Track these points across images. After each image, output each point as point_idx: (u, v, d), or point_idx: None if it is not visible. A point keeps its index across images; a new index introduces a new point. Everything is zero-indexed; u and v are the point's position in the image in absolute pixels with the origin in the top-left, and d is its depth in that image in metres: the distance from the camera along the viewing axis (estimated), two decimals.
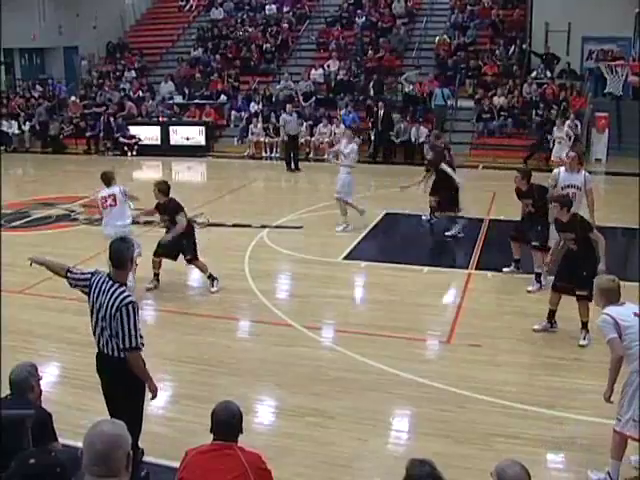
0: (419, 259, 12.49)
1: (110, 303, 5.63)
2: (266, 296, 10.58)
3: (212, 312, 10.10)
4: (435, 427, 7.07)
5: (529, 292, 10.83)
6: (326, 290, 11.04)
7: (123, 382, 5.81)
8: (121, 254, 5.81)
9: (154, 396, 6.05)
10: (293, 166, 21.88)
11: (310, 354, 8.76)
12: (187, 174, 23.39)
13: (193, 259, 10.97)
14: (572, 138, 19.71)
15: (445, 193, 13.85)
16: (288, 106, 23.11)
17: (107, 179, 10.79)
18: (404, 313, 10.02)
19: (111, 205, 10.67)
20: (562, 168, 10.93)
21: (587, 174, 10.84)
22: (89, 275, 5.91)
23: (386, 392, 7.79)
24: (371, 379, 8.08)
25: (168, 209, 10.75)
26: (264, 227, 14.04)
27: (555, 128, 20.09)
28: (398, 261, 12.39)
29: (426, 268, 11.96)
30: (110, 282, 5.72)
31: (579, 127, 22.02)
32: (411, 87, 24.77)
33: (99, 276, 5.86)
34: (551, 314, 9.41)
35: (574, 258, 9.01)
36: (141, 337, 5.78)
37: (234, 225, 14.56)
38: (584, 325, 8.98)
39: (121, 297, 5.63)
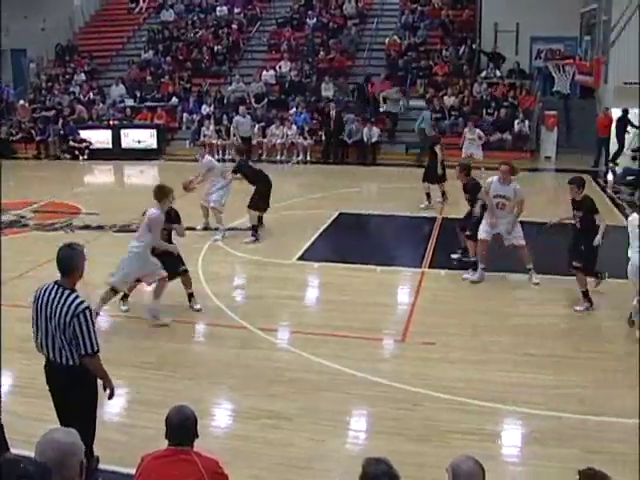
0: (373, 259, 12.52)
1: (64, 311, 5.53)
2: (220, 299, 10.53)
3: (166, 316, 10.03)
4: (391, 425, 7.11)
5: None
6: (280, 291, 11.04)
7: (76, 390, 5.73)
8: (69, 261, 5.70)
9: (111, 395, 5.98)
10: None
11: (265, 356, 8.74)
12: (139, 178, 23.18)
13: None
14: (483, 139, 20.53)
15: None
16: (241, 108, 23.13)
17: (158, 195, 9.59)
18: (358, 313, 10.05)
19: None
20: (495, 178, 11.18)
21: (517, 187, 11.11)
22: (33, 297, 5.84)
23: (342, 392, 7.81)
24: (327, 379, 8.09)
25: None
26: (217, 229, 13.96)
27: (467, 129, 20.58)
28: (352, 261, 12.43)
29: (380, 268, 12.01)
30: (60, 290, 5.61)
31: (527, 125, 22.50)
32: (393, 106, 24.48)
33: (44, 287, 5.76)
34: (585, 294, 10.23)
35: (576, 235, 10.34)
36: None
37: (187, 228, 14.44)
38: (583, 294, 10.18)
39: (75, 304, 5.53)
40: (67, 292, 5.59)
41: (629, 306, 9.72)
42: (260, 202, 13.68)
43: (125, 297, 10.24)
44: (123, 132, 25.23)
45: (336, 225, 14.81)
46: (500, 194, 11.04)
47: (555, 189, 19.27)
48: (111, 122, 25.74)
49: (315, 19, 29.64)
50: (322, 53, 27.66)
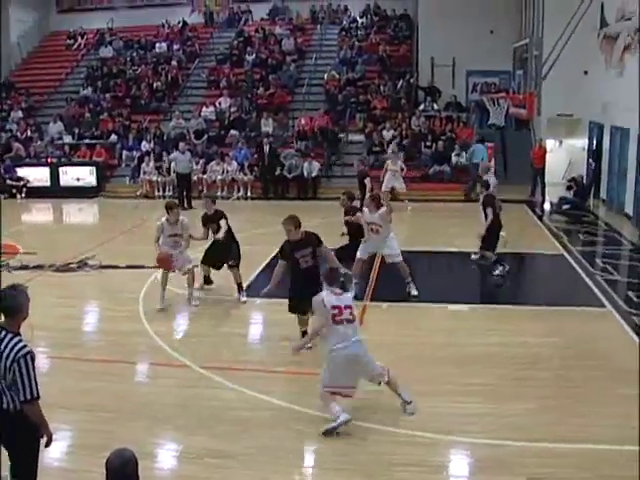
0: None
1: (5, 354, 5.42)
2: (162, 337, 10.42)
3: (107, 357, 9.88)
4: (337, 460, 7.11)
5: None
6: (222, 329, 11.00)
7: (16, 435, 5.61)
8: (12, 302, 5.60)
9: (49, 443, 5.83)
10: (186, 204, 21.72)
11: (208, 394, 8.66)
12: (78, 216, 22.96)
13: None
14: (404, 171, 20.85)
15: None
16: (181, 144, 23.05)
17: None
18: None
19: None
20: (366, 209, 12.43)
21: (381, 211, 12.13)
22: None
23: (286, 428, 7.78)
24: (271, 416, 8.06)
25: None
26: (158, 267, 13.83)
27: (390, 161, 20.71)
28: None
29: None
30: (3, 333, 5.51)
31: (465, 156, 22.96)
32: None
33: None
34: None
35: None
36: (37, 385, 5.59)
37: (128, 266, 14.34)
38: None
39: (17, 348, 5.43)
40: (10, 335, 5.49)
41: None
42: None
43: None
44: (62, 170, 24.98)
45: (276, 261, 14.72)
46: (372, 222, 12.27)
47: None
48: (49, 160, 25.51)
49: (254, 55, 29.90)
50: (261, 89, 27.87)
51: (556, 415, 7.97)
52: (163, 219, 12.04)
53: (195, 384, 8.98)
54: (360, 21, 31.77)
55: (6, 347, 5.44)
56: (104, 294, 13.13)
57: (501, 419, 7.87)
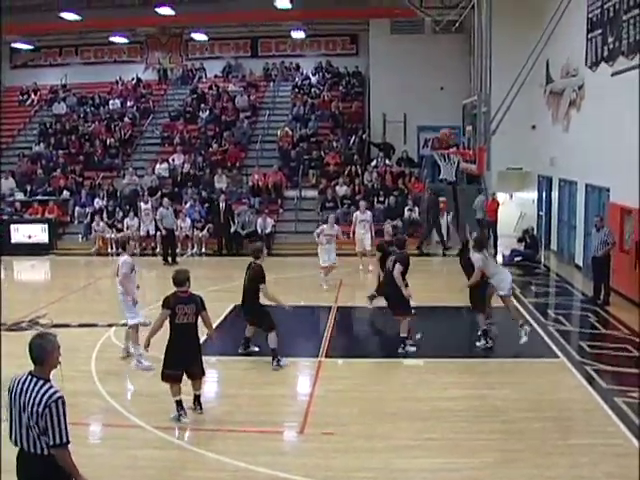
0: (269, 350, 12.47)
1: (37, 401, 5.51)
2: (114, 397, 10.25)
3: None
4: None
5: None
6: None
7: None
8: (38, 350, 5.68)
9: None
10: (171, 260, 21.75)
11: (162, 456, 8.52)
12: (30, 273, 22.61)
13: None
14: None
15: None
16: (165, 200, 22.81)
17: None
18: (256, 406, 9.98)
19: None
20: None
21: None
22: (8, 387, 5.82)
23: None
24: (225, 477, 7.95)
25: None
26: (111, 326, 13.70)
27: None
28: (248, 353, 12.34)
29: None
30: (34, 380, 5.62)
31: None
32: None
33: (18, 377, 5.75)
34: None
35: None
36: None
37: (80, 325, 14.15)
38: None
39: (49, 394, 5.52)
40: (41, 382, 5.62)
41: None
42: None
43: None
44: (13, 227, 24.72)
45: (231, 318, 14.67)
46: None
47: (447, 272, 19.74)
48: (0, 216, 25.20)
49: (208, 112, 30.11)
50: (215, 145, 28.01)
51: (514, 467, 8.01)
52: (126, 256, 11.83)
53: (149, 445, 8.83)
54: (313, 78, 32.24)
55: (38, 393, 5.54)
56: None
57: (459, 473, 7.88)
